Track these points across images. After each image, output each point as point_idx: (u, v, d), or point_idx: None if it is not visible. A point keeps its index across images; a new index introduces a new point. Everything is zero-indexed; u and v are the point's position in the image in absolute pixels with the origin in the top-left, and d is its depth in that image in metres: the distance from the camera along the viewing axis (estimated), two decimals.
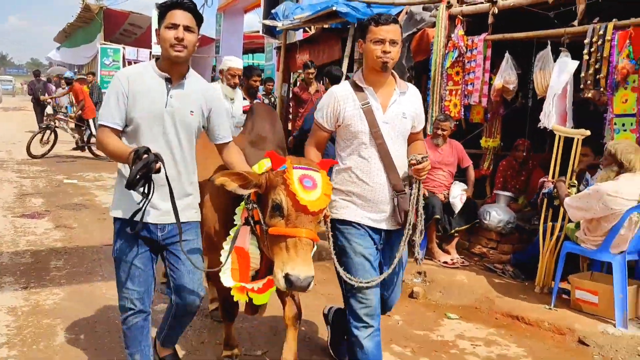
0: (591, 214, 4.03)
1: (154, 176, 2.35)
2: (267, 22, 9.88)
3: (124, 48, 23.21)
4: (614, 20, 4.56)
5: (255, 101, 6.48)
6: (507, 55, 5.54)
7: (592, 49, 4.64)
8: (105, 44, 23.13)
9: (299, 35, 12.24)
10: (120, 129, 2.56)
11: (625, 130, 4.56)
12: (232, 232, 2.67)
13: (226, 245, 2.66)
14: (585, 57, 4.69)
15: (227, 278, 2.64)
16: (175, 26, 2.48)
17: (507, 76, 5.47)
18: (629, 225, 3.95)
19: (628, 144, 4.05)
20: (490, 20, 5.59)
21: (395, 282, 2.98)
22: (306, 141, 2.97)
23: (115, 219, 2.64)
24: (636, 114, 4.41)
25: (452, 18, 6.02)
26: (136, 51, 23.71)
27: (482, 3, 5.74)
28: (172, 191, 2.46)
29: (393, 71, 2.84)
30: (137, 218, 2.42)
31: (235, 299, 2.72)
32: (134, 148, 2.34)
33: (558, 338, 3.99)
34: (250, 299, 2.72)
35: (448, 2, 6.05)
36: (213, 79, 14.03)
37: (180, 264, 2.68)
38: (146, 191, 2.36)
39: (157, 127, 2.56)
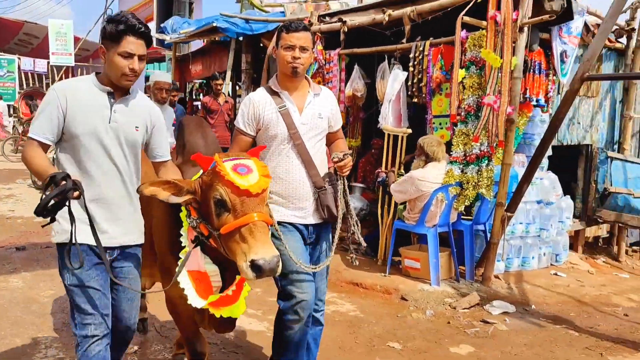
0: (408, 195, 5.05)
1: (88, 200, 2.31)
2: (157, 35, 10.47)
3: (19, 58, 22.76)
4: (430, 38, 5.63)
5: (184, 116, 7.06)
6: (356, 67, 6.55)
7: (416, 62, 5.70)
8: None
9: (195, 46, 12.88)
10: (51, 144, 2.44)
11: (442, 128, 5.65)
12: (181, 255, 2.54)
13: (179, 269, 2.50)
14: (411, 69, 5.74)
15: (195, 300, 2.48)
16: (130, 56, 2.39)
17: (355, 85, 6.47)
18: (436, 203, 4.99)
19: (432, 139, 5.12)
20: (342, 37, 6.58)
21: (325, 274, 3.12)
22: (228, 150, 2.95)
23: (59, 245, 2.46)
24: (449, 115, 5.49)
25: (313, 34, 6.96)
26: (33, 61, 23.36)
27: (335, 22, 6.71)
28: (92, 220, 2.36)
29: (306, 75, 2.99)
30: (73, 249, 2.31)
31: (216, 315, 2.56)
32: (50, 173, 2.20)
33: (386, 297, 4.96)
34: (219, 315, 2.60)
35: (309, 21, 6.99)
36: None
37: (119, 291, 2.58)
38: (69, 218, 2.26)
39: (100, 143, 2.44)
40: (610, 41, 6.55)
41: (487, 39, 4.87)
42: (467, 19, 4.97)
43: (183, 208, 2.53)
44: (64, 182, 2.15)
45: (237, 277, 2.52)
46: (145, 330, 4.04)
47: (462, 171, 5.08)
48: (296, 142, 2.86)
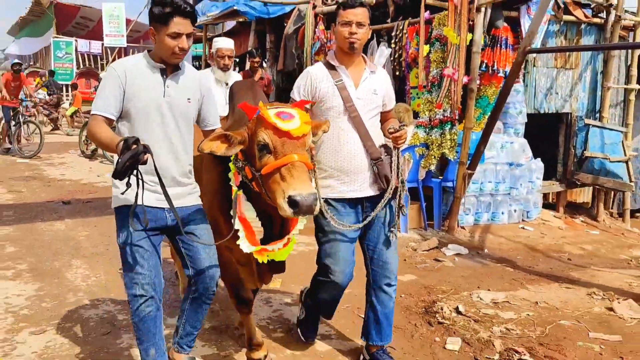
0: None
1: (149, 167, 2.41)
2: None
3: (76, 41, 24.39)
4: (408, 19, 6.41)
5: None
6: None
7: (397, 40, 6.49)
8: (57, 37, 24.21)
9: (229, 26, 13.87)
10: (114, 119, 2.59)
11: (418, 98, 6.44)
12: (235, 203, 2.66)
13: (233, 208, 2.66)
14: (393, 45, 6.54)
15: (245, 244, 2.62)
16: (178, 35, 2.52)
17: None
18: (403, 162, 5.82)
19: (400, 106, 5.92)
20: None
21: (384, 241, 3.04)
22: None
23: (118, 209, 2.64)
24: (426, 85, 6.28)
25: (317, 16, 7.83)
26: (88, 43, 24.98)
27: (333, 4, 7.54)
28: (162, 181, 2.48)
29: (363, 54, 3.06)
30: (138, 210, 2.46)
31: (260, 261, 2.71)
32: (123, 137, 2.33)
33: None
34: (269, 262, 2.76)
35: (314, 4, 7.85)
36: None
37: (193, 248, 2.70)
38: (136, 181, 2.38)
39: (155, 116, 2.59)
40: (586, 16, 7.10)
41: (449, 18, 5.63)
42: (430, 1, 5.72)
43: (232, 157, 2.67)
44: (135, 146, 2.25)
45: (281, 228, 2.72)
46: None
47: (427, 134, 5.88)
48: (352, 115, 2.91)
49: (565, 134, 7.55)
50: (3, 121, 11.58)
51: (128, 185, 2.34)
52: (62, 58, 23.69)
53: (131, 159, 2.23)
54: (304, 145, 2.46)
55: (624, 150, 7.39)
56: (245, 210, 2.67)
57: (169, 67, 2.63)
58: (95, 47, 24.90)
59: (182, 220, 2.61)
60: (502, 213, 6.61)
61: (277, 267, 2.93)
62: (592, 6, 7.27)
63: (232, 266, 3.00)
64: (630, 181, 7.27)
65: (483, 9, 5.62)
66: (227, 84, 4.83)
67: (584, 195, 7.90)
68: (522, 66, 6.50)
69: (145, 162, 2.29)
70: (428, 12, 5.77)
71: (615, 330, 3.76)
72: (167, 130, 2.63)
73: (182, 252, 2.74)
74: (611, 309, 4.11)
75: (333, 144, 2.93)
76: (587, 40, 7.36)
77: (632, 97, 7.77)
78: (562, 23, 6.96)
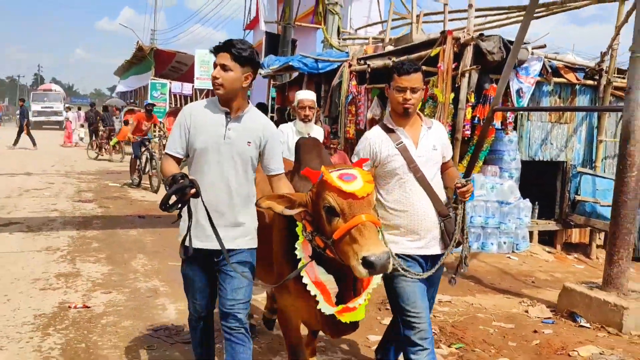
0: None
1: (200, 204, 2.65)
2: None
3: (170, 83, 27.46)
4: None
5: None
6: (375, 99, 8.93)
7: None
8: (154, 79, 27.37)
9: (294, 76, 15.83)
10: (181, 157, 2.84)
11: None
12: (300, 270, 2.70)
13: (293, 274, 2.70)
14: None
15: (326, 306, 2.66)
16: (215, 66, 2.77)
17: (374, 111, 8.85)
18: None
19: None
20: (367, 75, 9.01)
21: (434, 293, 3.33)
22: None
23: (182, 243, 2.82)
24: None
25: (351, 73, 9.48)
26: (181, 85, 28.03)
27: (363, 65, 9.16)
28: (211, 218, 2.68)
29: (418, 112, 3.13)
30: (187, 243, 2.68)
31: (344, 321, 2.71)
32: (173, 173, 2.58)
33: None
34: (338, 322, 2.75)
35: (349, 63, 9.51)
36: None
37: (225, 283, 2.84)
38: (185, 215, 2.65)
39: (214, 156, 2.78)
40: (577, 79, 8.28)
41: (438, 81, 7.08)
42: (424, 67, 7.20)
43: (299, 223, 2.71)
44: (182, 180, 2.48)
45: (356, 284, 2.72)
46: (252, 334, 4.06)
47: None
48: (417, 175, 2.97)
49: (562, 180, 8.64)
50: (133, 156, 12.78)
51: (179, 216, 2.70)
52: (158, 98, 26.63)
53: (177, 192, 2.49)
54: (369, 204, 2.50)
55: None
56: (320, 274, 2.70)
57: (233, 111, 2.84)
58: (187, 88, 27.86)
59: (224, 262, 2.82)
60: (492, 244, 7.78)
61: (347, 327, 2.83)
62: (585, 70, 8.44)
63: (295, 326, 3.15)
64: None
65: (467, 74, 7.01)
66: (302, 137, 4.78)
67: (582, 236, 8.88)
68: (513, 120, 7.81)
69: (195, 196, 2.55)
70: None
71: (515, 322, 4.98)
72: (225, 170, 2.79)
73: (218, 290, 2.95)
74: (527, 311, 5.31)
75: (401, 205, 2.97)
76: (582, 99, 8.51)
77: None
78: (554, 84, 8.18)
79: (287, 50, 14.95)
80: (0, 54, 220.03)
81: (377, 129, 3.13)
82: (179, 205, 2.54)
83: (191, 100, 27.72)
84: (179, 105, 27.43)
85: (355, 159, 3.09)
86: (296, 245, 2.74)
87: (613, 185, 8.41)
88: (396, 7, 12.82)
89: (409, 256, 2.98)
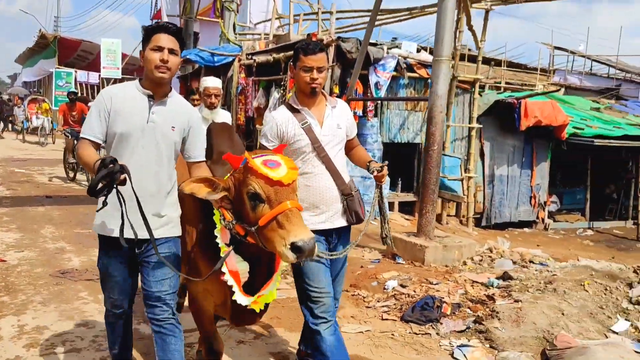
0: None
1: (124, 191, 2.48)
2: None
3: (75, 71, 27.54)
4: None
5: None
6: (261, 90, 10.33)
7: (284, 87, 9.41)
8: (59, 67, 27.37)
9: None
10: (100, 142, 2.74)
11: None
12: (222, 255, 2.67)
13: (218, 265, 2.64)
14: (281, 90, 9.46)
15: (241, 297, 2.67)
16: (160, 49, 2.65)
17: (259, 100, 10.25)
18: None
19: None
20: (254, 69, 10.39)
21: (340, 277, 3.42)
22: None
23: (99, 235, 2.80)
24: None
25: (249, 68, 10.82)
26: (87, 74, 28.18)
27: (251, 59, 10.53)
28: (140, 204, 2.56)
29: (322, 91, 3.16)
30: (127, 232, 2.58)
31: (257, 309, 2.77)
32: (100, 157, 2.46)
33: None
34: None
35: (239, 58, 10.84)
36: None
37: (149, 274, 2.77)
38: (109, 201, 2.52)
39: (137, 141, 2.70)
40: (428, 74, 10.04)
41: None
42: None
43: (216, 211, 2.68)
44: (111, 165, 2.37)
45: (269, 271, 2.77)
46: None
47: None
48: (321, 155, 3.08)
49: (417, 158, 10.41)
50: (70, 137, 11.68)
51: (104, 203, 2.54)
52: (63, 87, 26.65)
53: (107, 177, 2.35)
54: (294, 191, 2.54)
55: (461, 172, 10.23)
56: (237, 262, 2.72)
57: (157, 95, 2.75)
58: (93, 77, 28.04)
59: (149, 251, 2.74)
60: None
61: (251, 315, 2.92)
62: None
63: (207, 315, 3.14)
64: (464, 195, 10.10)
65: (330, 70, 8.54)
66: (214, 122, 4.91)
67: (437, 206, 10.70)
68: (374, 108, 9.45)
69: (123, 183, 2.41)
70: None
71: (351, 263, 6.54)
72: (149, 156, 2.72)
73: (142, 285, 2.87)
74: (363, 256, 6.90)
75: (305, 181, 3.07)
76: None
77: (473, 133, 10.66)
78: (409, 79, 9.89)
79: (189, 43, 16.05)
80: None
81: (282, 110, 3.19)
82: (106, 191, 2.43)
83: (97, 90, 28.02)
84: (83, 95, 27.70)
85: (262, 140, 3.16)
86: (215, 233, 2.72)
87: (458, 163, 10.36)
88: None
89: (315, 231, 2.93)
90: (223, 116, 5.07)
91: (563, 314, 4.72)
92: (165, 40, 2.68)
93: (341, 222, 3.21)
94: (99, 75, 27.34)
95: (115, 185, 2.42)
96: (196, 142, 2.90)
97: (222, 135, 3.21)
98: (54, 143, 20.19)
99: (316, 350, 3.11)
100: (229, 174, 2.66)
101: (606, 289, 5.20)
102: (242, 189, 2.52)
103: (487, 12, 10.13)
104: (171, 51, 2.69)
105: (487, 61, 16.69)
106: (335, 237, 3.25)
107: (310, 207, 3.09)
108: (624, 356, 3.93)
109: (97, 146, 2.77)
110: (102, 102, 2.74)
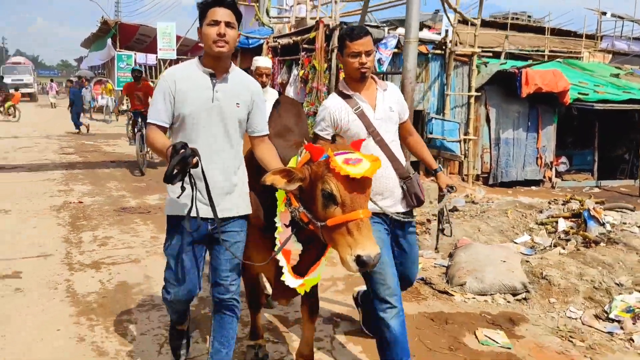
0: None
1: (196, 171, 2.52)
2: None
3: (135, 54, 30.17)
4: (306, 52, 11.21)
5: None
6: (284, 67, 12.22)
7: (300, 65, 11.27)
8: (120, 51, 30.07)
9: None
10: (167, 126, 2.76)
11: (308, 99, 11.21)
12: (277, 235, 2.77)
13: (278, 250, 2.71)
14: (300, 68, 11.32)
15: (290, 279, 2.73)
16: (216, 23, 2.65)
17: (283, 76, 12.15)
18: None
19: None
20: (278, 50, 12.28)
21: (413, 258, 3.46)
22: None
23: (168, 217, 2.86)
24: (310, 92, 11.01)
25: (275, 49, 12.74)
26: (145, 56, 30.75)
27: (276, 42, 12.41)
28: (208, 187, 2.63)
29: (371, 75, 3.19)
30: (193, 214, 2.60)
31: (302, 292, 2.83)
32: (172, 143, 2.46)
33: None
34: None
35: (267, 41, 12.75)
36: None
37: (220, 253, 2.83)
38: (187, 185, 2.51)
39: (204, 121, 2.72)
40: (427, 50, 11.64)
41: (317, 55, 10.39)
42: (306, 45, 10.50)
43: (280, 192, 2.72)
44: (183, 150, 2.40)
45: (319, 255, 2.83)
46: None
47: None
48: (376, 139, 3.10)
49: (421, 124, 12.09)
50: (133, 119, 11.71)
51: (182, 189, 2.52)
52: (124, 68, 29.32)
53: (180, 162, 2.38)
54: (368, 198, 2.55)
55: (459, 135, 11.85)
56: (292, 241, 2.77)
57: (219, 72, 2.76)
58: (151, 59, 30.51)
59: (221, 230, 2.75)
60: None
61: (293, 292, 2.90)
62: (435, 42, 11.81)
63: (252, 274, 3.29)
64: (462, 154, 11.75)
65: (336, 50, 10.30)
66: (284, 95, 5.18)
67: (449, 166, 12.38)
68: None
69: (195, 166, 2.45)
70: (305, 52, 10.57)
71: None
72: (216, 135, 2.75)
73: (210, 261, 2.90)
74: None
75: None
76: (434, 64, 11.90)
77: (472, 100, 12.22)
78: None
79: None
80: None
81: (334, 97, 3.19)
82: (181, 176, 2.45)
83: (157, 71, 30.58)
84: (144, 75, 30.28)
85: (317, 129, 3.18)
86: (277, 213, 2.78)
87: (456, 127, 11.98)
88: None
89: (376, 214, 3.02)
90: (272, 94, 5.29)
91: (479, 229, 6.48)
92: (221, 13, 2.69)
93: (401, 207, 3.25)
94: (156, 57, 29.61)
95: (188, 170, 2.46)
96: (259, 116, 2.92)
97: (290, 110, 3.29)
98: (117, 120, 22.90)
99: (379, 335, 3.16)
100: (303, 162, 2.64)
101: (522, 215, 6.89)
102: (318, 184, 2.51)
103: None
104: (228, 24, 2.70)
105: (514, 27, 17.82)
106: (397, 223, 3.27)
107: (372, 195, 2.94)
108: (504, 253, 5.64)
109: (165, 130, 2.80)
110: (166, 85, 2.76)
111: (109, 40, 30.64)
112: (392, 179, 3.19)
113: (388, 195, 3.19)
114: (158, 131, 2.74)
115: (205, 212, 2.72)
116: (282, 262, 2.76)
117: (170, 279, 2.92)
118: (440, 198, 3.58)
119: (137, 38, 33.01)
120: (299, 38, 11.29)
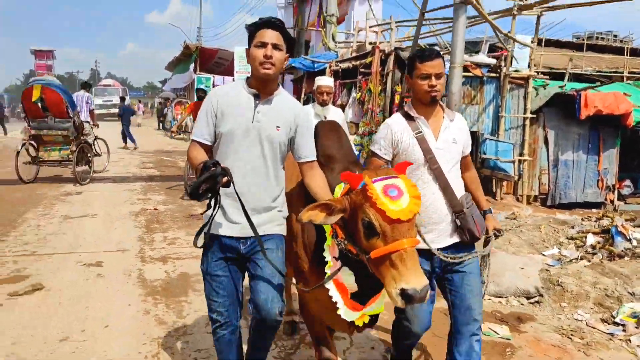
0: None
1: (229, 190, 2.52)
2: None
3: (213, 77, 32.04)
4: (363, 76, 12.01)
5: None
6: (344, 90, 13.06)
7: (358, 87, 12.07)
8: (200, 73, 32.02)
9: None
10: (209, 144, 2.78)
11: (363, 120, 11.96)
12: (327, 270, 2.67)
13: (326, 281, 2.63)
14: (357, 91, 12.12)
15: (347, 313, 2.65)
16: (264, 45, 2.65)
17: (343, 99, 12.99)
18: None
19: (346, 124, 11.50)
20: (339, 73, 13.15)
21: (478, 292, 3.13)
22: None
23: (198, 232, 2.80)
24: (366, 113, 11.78)
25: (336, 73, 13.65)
26: (223, 79, 32.55)
27: (337, 66, 13.29)
28: (244, 205, 2.60)
29: (440, 102, 3.09)
30: (205, 230, 2.66)
31: (359, 324, 2.72)
32: (204, 160, 2.49)
33: None
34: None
35: (330, 65, 13.66)
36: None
37: (259, 271, 2.74)
38: (212, 204, 2.52)
39: (242, 140, 2.72)
40: (482, 74, 12.15)
41: (372, 79, 11.16)
42: (363, 70, 11.29)
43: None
44: (214, 168, 2.41)
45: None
46: (293, 332, 4.34)
47: (362, 139, 11.38)
48: (433, 167, 2.97)
49: (475, 144, 12.56)
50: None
51: (209, 206, 2.57)
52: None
53: (209, 180, 2.40)
54: (413, 225, 2.39)
55: (513, 155, 12.24)
56: (344, 274, 2.66)
57: (263, 93, 2.76)
58: (228, 81, 32.31)
59: (255, 249, 2.73)
60: None
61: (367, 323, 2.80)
62: (490, 66, 12.31)
63: (317, 321, 3.08)
64: (515, 174, 12.13)
65: (391, 73, 11.04)
66: (325, 118, 5.10)
67: (491, 185, 12.78)
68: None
69: (226, 185, 2.47)
70: (362, 76, 11.35)
71: None
72: (252, 156, 2.74)
73: (249, 283, 2.80)
74: None
75: None
76: (489, 87, 12.38)
77: (527, 122, 12.58)
78: (464, 77, 12.09)
79: (301, 51, 19.24)
80: (60, 53, 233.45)
81: (397, 117, 3.12)
82: (209, 195, 2.47)
83: None
84: None
85: (375, 146, 3.11)
86: (324, 247, 2.72)
87: (510, 147, 12.37)
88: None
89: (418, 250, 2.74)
90: (334, 112, 5.38)
91: (509, 242, 6.98)
92: (269, 35, 2.68)
93: (448, 241, 3.08)
94: (233, 79, 31.42)
95: (218, 188, 2.45)
96: (304, 142, 2.87)
97: (329, 137, 3.15)
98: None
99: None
100: (345, 192, 2.57)
101: (554, 230, 7.33)
102: (358, 214, 2.44)
103: (538, 17, 12.05)
104: (275, 46, 2.68)
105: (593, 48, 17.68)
106: (439, 260, 3.07)
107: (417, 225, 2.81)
108: (525, 262, 6.15)
109: (208, 148, 2.80)
110: (210, 103, 2.78)
111: (192, 65, 32.64)
112: (441, 211, 3.05)
113: (432, 229, 3.05)
114: (199, 148, 2.79)
115: (236, 231, 2.76)
116: (336, 297, 2.66)
117: (209, 296, 2.89)
118: (487, 242, 3.35)
119: (216, 61, 34.90)
120: (357, 62, 12.11)
